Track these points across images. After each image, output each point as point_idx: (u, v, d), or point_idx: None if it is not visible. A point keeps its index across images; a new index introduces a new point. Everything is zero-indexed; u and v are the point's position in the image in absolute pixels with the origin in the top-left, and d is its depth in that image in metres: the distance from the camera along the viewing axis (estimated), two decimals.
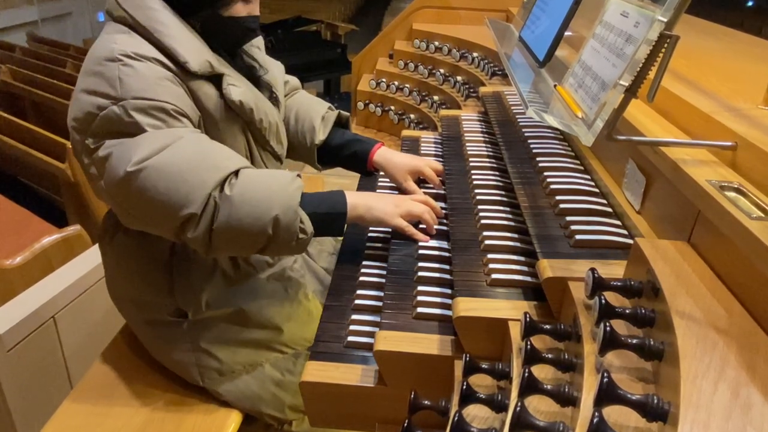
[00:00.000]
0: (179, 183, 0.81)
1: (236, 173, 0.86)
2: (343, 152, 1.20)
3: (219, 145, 0.88)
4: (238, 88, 0.92)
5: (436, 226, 1.02)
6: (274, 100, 1.04)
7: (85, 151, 0.85)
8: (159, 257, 0.97)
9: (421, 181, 1.18)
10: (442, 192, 1.15)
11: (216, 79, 0.91)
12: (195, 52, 0.87)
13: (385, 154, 1.17)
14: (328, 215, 0.93)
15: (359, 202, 0.96)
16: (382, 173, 1.19)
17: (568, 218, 0.83)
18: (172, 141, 0.82)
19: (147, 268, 0.98)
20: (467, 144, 1.27)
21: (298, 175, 0.92)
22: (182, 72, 0.87)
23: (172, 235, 0.86)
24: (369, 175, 1.24)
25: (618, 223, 0.82)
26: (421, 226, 1.02)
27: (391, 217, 0.98)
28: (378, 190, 1.21)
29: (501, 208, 0.99)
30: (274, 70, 1.10)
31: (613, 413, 0.49)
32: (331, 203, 0.94)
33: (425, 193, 1.12)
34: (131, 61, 0.82)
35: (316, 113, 1.19)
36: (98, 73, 0.83)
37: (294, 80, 1.24)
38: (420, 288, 0.88)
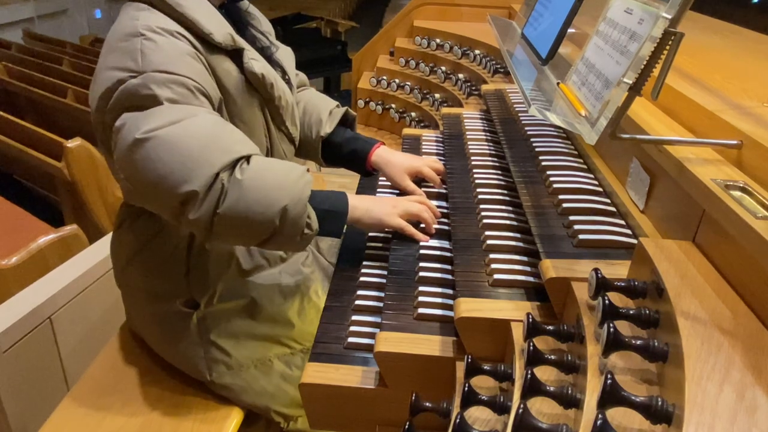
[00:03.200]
0: (185, 158, 0.79)
1: (248, 159, 0.85)
2: (342, 150, 1.19)
3: (233, 129, 0.87)
4: (259, 62, 0.93)
5: (437, 226, 1.02)
6: (286, 81, 1.04)
7: (104, 128, 0.85)
8: (177, 245, 0.97)
9: (421, 181, 1.17)
10: (444, 191, 1.14)
11: (236, 54, 0.91)
12: (217, 24, 0.88)
13: (384, 154, 1.16)
14: (329, 213, 0.92)
15: (359, 204, 0.96)
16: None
17: (572, 218, 0.82)
18: (186, 116, 0.81)
19: (164, 255, 0.97)
20: (469, 142, 1.26)
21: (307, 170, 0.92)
22: (204, 46, 0.87)
23: (171, 215, 0.84)
24: (368, 175, 1.23)
25: (622, 222, 0.82)
26: (421, 225, 1.01)
27: (388, 218, 0.97)
28: (378, 189, 1.20)
29: (503, 207, 0.98)
30: (285, 52, 1.11)
31: (617, 415, 0.49)
32: (333, 201, 0.94)
33: (425, 192, 1.11)
34: (154, 35, 0.82)
35: (324, 107, 1.19)
36: (120, 48, 0.83)
37: (302, 75, 1.24)
38: (421, 288, 0.88)
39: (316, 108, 1.18)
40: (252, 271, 1.01)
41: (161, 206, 0.85)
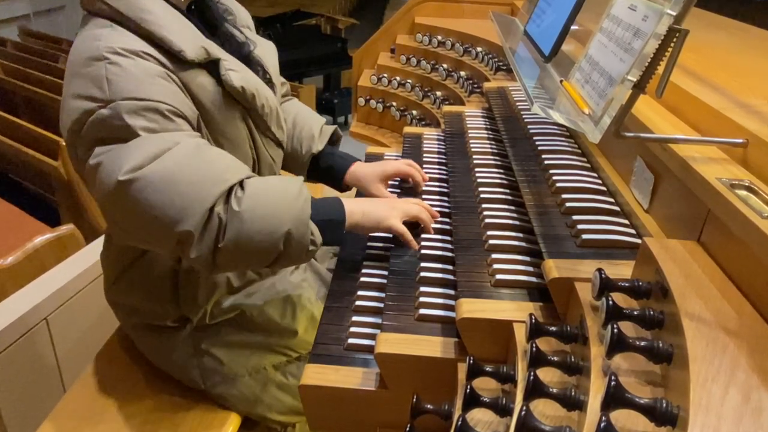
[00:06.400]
0: (174, 196, 0.75)
1: (241, 184, 0.81)
2: (319, 164, 1.14)
3: (218, 153, 0.83)
4: (238, 73, 0.87)
5: (438, 225, 1.01)
6: (268, 81, 0.98)
7: (77, 160, 0.81)
8: (165, 266, 0.94)
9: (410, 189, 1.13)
10: (445, 190, 1.14)
11: (211, 66, 0.85)
12: (188, 38, 0.81)
13: (354, 171, 1.11)
14: (327, 223, 0.89)
15: (355, 208, 0.93)
16: None
17: (575, 217, 0.81)
18: (167, 147, 0.76)
19: (152, 276, 0.95)
20: (471, 141, 1.25)
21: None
22: (174, 63, 0.80)
23: (170, 254, 0.83)
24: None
25: (626, 222, 0.81)
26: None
27: (387, 219, 0.94)
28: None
29: (505, 206, 0.97)
30: (265, 48, 1.03)
31: (621, 417, 0.49)
32: (330, 210, 0.91)
33: (426, 193, 1.11)
34: (118, 58, 0.76)
35: (315, 122, 1.15)
36: (83, 74, 0.76)
37: (286, 85, 1.18)
38: (422, 289, 0.87)
39: (307, 122, 1.14)
40: (243, 287, 1.00)
41: (157, 248, 0.83)
